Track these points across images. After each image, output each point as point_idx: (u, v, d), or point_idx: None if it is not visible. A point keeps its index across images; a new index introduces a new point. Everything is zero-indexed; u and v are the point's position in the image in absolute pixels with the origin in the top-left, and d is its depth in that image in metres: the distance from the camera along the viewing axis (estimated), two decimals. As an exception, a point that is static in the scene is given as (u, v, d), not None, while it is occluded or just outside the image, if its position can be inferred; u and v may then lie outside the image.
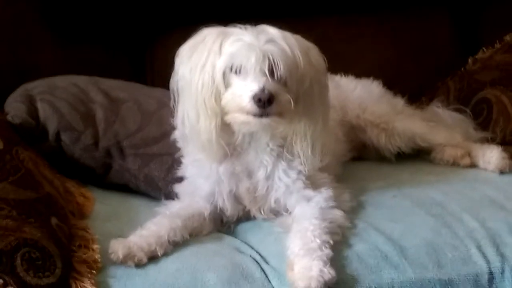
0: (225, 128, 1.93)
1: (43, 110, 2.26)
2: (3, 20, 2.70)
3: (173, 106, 1.98)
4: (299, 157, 1.99)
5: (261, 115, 1.84)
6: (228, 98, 1.88)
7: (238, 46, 1.87)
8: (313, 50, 1.98)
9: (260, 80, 1.84)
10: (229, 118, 1.90)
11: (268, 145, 2.00)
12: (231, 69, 1.88)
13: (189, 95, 1.92)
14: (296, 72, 1.89)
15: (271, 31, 1.91)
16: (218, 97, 1.89)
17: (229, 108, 1.88)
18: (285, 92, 1.87)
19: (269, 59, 1.85)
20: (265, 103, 1.82)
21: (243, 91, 1.85)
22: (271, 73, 1.86)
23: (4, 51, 2.68)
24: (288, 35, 1.92)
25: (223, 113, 1.90)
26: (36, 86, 2.35)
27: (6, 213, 1.69)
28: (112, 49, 2.88)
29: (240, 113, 1.87)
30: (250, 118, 1.86)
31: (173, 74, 1.96)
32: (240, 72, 1.87)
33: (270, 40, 1.88)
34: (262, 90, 1.83)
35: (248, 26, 1.93)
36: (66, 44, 2.80)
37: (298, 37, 1.95)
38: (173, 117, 2.02)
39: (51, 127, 2.25)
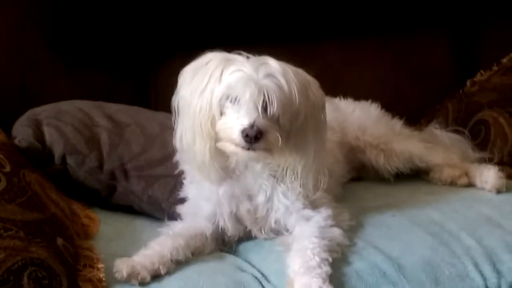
0: (219, 152, 1.96)
1: (50, 134, 2.31)
2: (10, 46, 2.75)
3: (174, 122, 2.02)
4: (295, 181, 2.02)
5: (248, 148, 1.88)
6: (220, 126, 1.91)
7: (237, 77, 1.89)
8: (313, 85, 1.99)
9: (251, 115, 1.86)
10: (220, 145, 1.93)
11: (264, 171, 2.03)
12: (227, 98, 1.91)
13: (188, 116, 1.95)
14: (290, 109, 1.91)
15: (272, 64, 1.92)
16: (213, 122, 1.92)
17: (221, 136, 1.92)
18: (274, 130, 1.89)
19: (264, 95, 1.87)
20: (252, 139, 1.85)
21: (234, 124, 1.88)
22: (265, 108, 1.88)
23: (11, 76, 2.73)
24: (289, 69, 1.93)
25: (216, 138, 1.93)
26: (43, 111, 2.39)
27: (14, 233, 1.73)
28: (116, 73, 2.92)
29: (230, 143, 1.90)
30: (239, 150, 1.89)
31: (175, 92, 2.00)
32: (235, 103, 1.90)
33: (269, 75, 1.89)
34: (251, 126, 1.85)
35: (251, 56, 1.95)
36: (71, 70, 2.85)
37: (299, 71, 1.97)
38: (174, 137, 2.05)
39: (57, 151, 2.30)
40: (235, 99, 1.89)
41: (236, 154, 1.93)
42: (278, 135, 1.89)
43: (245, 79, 1.88)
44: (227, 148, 1.92)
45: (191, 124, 1.94)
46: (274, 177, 2.04)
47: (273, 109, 1.88)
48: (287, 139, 1.93)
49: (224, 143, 1.91)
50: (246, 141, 1.86)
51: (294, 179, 2.00)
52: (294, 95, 1.90)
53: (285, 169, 2.00)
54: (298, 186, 2.02)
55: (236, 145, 1.88)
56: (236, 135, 1.87)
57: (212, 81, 1.92)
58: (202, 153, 1.94)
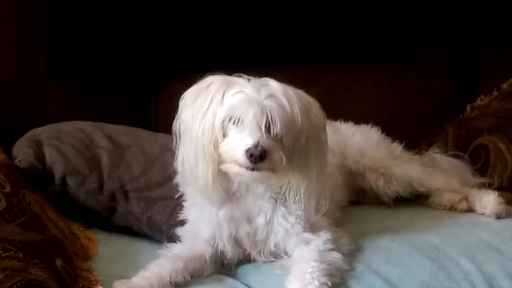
0: (222, 174, 1.96)
1: (50, 155, 2.31)
2: (10, 65, 2.76)
3: (175, 147, 2.01)
4: (296, 204, 2.02)
5: (253, 169, 1.88)
6: (224, 148, 1.92)
7: (239, 99, 1.90)
8: (314, 106, 2.00)
9: (255, 135, 1.87)
10: (224, 167, 1.93)
11: (266, 193, 2.03)
12: (230, 120, 1.91)
13: (190, 140, 1.95)
14: (292, 129, 1.92)
15: (274, 85, 1.94)
16: (216, 145, 1.92)
17: (224, 157, 1.92)
18: (278, 150, 1.90)
19: (267, 115, 1.88)
20: (256, 158, 1.86)
21: (238, 144, 1.89)
22: (268, 128, 1.89)
23: (11, 96, 2.74)
24: (290, 90, 1.94)
25: (219, 160, 1.93)
26: (43, 132, 2.40)
27: (13, 254, 1.73)
28: (117, 95, 2.93)
29: (234, 164, 1.90)
30: (243, 171, 1.89)
31: (176, 116, 2.00)
32: (238, 124, 1.91)
33: (271, 95, 1.91)
34: (256, 146, 1.86)
35: (252, 78, 1.96)
36: (71, 90, 2.86)
37: (300, 92, 1.98)
38: (175, 161, 2.05)
39: (57, 171, 2.30)
40: (238, 120, 1.90)
41: (241, 175, 1.92)
42: (282, 154, 1.89)
43: (247, 100, 1.89)
44: (231, 170, 1.92)
45: (193, 147, 1.94)
46: (275, 199, 2.04)
47: (276, 129, 1.89)
48: (290, 159, 1.93)
49: (228, 165, 1.91)
50: (250, 161, 1.86)
51: (296, 201, 2.00)
52: (297, 115, 1.91)
53: (287, 191, 2.00)
54: (299, 209, 2.02)
55: (241, 165, 1.88)
56: (241, 155, 1.87)
57: (214, 103, 1.93)
58: (205, 176, 1.94)
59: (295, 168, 1.96)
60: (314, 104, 2.01)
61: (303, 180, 1.97)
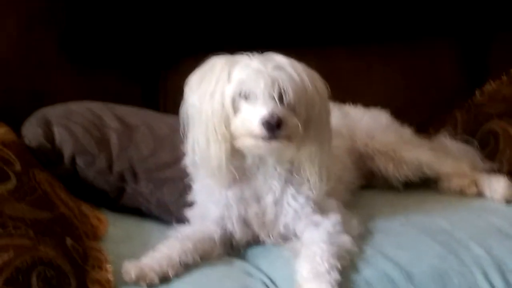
0: (235, 153, 1.96)
1: (59, 134, 2.31)
2: (20, 46, 2.75)
3: (183, 134, 2.02)
4: (307, 181, 2.02)
5: (270, 138, 1.88)
6: (237, 123, 1.92)
7: (247, 72, 1.91)
8: (316, 77, 2.02)
9: (269, 104, 1.88)
10: (238, 142, 1.93)
11: (276, 170, 2.03)
12: (240, 95, 1.92)
13: (199, 123, 1.95)
14: (304, 97, 1.93)
15: (278, 58, 1.95)
16: (227, 123, 1.92)
17: (239, 132, 1.92)
18: (293, 117, 1.91)
19: (278, 85, 1.89)
20: (273, 126, 1.86)
21: (252, 116, 1.89)
22: (280, 98, 1.90)
23: (20, 77, 2.73)
24: (295, 62, 1.96)
25: (232, 138, 1.93)
26: (53, 111, 2.40)
27: (23, 232, 1.73)
28: (126, 76, 2.92)
29: (250, 137, 1.90)
30: (260, 142, 1.89)
31: (182, 103, 2.00)
32: (249, 98, 1.91)
33: (278, 67, 1.92)
34: (271, 114, 1.86)
35: (255, 54, 1.97)
36: (81, 70, 2.84)
37: (302, 64, 1.99)
38: (183, 143, 2.05)
39: (67, 151, 2.30)
40: (249, 93, 1.90)
41: (258, 148, 1.92)
42: (298, 121, 1.90)
43: (255, 72, 1.90)
44: (247, 143, 1.91)
45: (203, 129, 1.94)
46: (285, 178, 2.03)
47: (289, 98, 1.89)
48: (304, 128, 1.93)
49: (244, 139, 1.91)
50: (268, 129, 1.86)
51: (309, 173, 1.99)
52: (307, 84, 1.93)
53: (300, 163, 2.00)
54: (309, 188, 2.02)
55: (257, 137, 1.88)
56: (256, 126, 1.87)
57: (221, 82, 1.93)
58: (218, 156, 1.93)
59: (310, 137, 1.96)
60: (317, 76, 2.02)
61: (316, 150, 1.98)
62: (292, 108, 1.92)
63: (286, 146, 1.92)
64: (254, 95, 1.90)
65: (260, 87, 1.88)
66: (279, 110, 1.87)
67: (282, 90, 1.89)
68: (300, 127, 1.91)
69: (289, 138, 1.91)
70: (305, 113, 1.94)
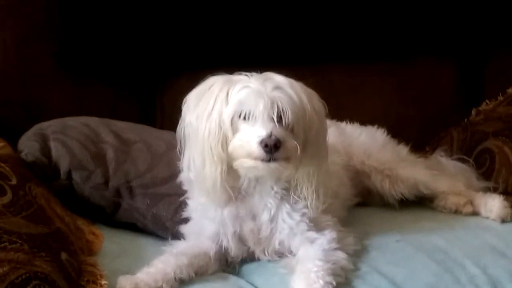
0: (231, 173, 1.96)
1: (56, 149, 2.31)
2: (16, 59, 2.76)
3: (179, 152, 2.01)
4: (303, 199, 2.02)
5: (268, 160, 1.87)
6: (235, 144, 1.91)
7: (246, 93, 1.91)
8: (314, 97, 2.02)
9: (267, 126, 1.88)
10: (236, 163, 1.93)
11: (272, 189, 2.03)
12: (239, 116, 1.91)
13: (196, 142, 1.95)
14: (303, 118, 1.93)
15: (277, 78, 1.95)
16: (224, 144, 1.92)
17: (237, 154, 1.91)
18: (291, 138, 1.90)
19: (278, 106, 1.88)
20: (272, 148, 1.86)
21: (251, 137, 1.88)
22: (279, 119, 1.89)
23: (17, 89, 2.74)
24: (294, 82, 1.96)
25: (229, 159, 1.93)
26: (49, 126, 2.39)
27: (18, 246, 1.72)
28: (122, 90, 2.93)
29: (248, 158, 1.90)
30: (258, 163, 1.89)
31: (180, 121, 2.00)
32: (248, 119, 1.91)
33: (277, 87, 1.92)
34: (269, 135, 1.86)
35: (254, 74, 1.97)
36: (77, 84, 2.85)
37: (301, 84, 1.99)
38: (180, 160, 2.05)
39: (63, 166, 2.30)
40: (248, 114, 1.90)
41: (256, 169, 1.91)
42: (296, 143, 1.90)
43: (254, 93, 1.90)
44: (245, 165, 1.91)
45: (200, 149, 1.94)
46: (280, 196, 2.03)
47: (288, 119, 1.89)
48: (302, 149, 1.93)
49: (242, 160, 1.91)
50: (266, 151, 1.86)
51: (306, 194, 1.99)
52: (306, 105, 1.93)
53: (299, 183, 2.00)
54: (305, 206, 2.02)
55: (256, 158, 1.88)
56: (255, 147, 1.87)
57: (219, 102, 1.92)
58: (213, 177, 1.93)
59: (307, 157, 1.96)
60: (314, 95, 2.02)
61: (314, 170, 1.98)
62: (290, 129, 1.92)
63: (284, 167, 1.92)
64: (253, 116, 1.90)
65: (259, 108, 1.88)
66: (278, 132, 1.87)
67: (281, 111, 1.89)
68: (298, 148, 1.90)
69: (287, 159, 1.90)
70: (303, 134, 1.94)
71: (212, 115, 1.92)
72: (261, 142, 1.86)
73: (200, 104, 1.94)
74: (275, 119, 1.89)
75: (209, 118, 1.92)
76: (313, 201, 2.01)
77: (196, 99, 1.97)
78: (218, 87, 1.94)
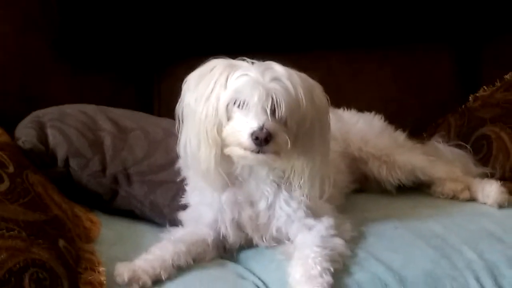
0: (225, 158, 1.96)
1: (53, 137, 2.30)
2: (13, 47, 2.75)
3: (178, 131, 2.01)
4: (299, 189, 2.02)
5: (258, 151, 1.88)
6: (228, 131, 1.91)
7: (244, 81, 1.90)
8: (317, 89, 2.00)
9: (260, 118, 1.87)
10: (228, 150, 1.93)
11: (268, 177, 2.03)
12: (234, 103, 1.91)
13: (192, 123, 1.95)
14: (297, 112, 1.92)
15: (278, 68, 1.94)
16: (220, 129, 1.92)
17: (229, 141, 1.92)
18: (283, 132, 1.90)
19: (272, 98, 1.88)
20: (262, 141, 1.86)
21: (243, 127, 1.88)
22: (273, 111, 1.89)
23: (14, 78, 2.73)
24: (294, 73, 1.94)
25: (223, 144, 1.93)
26: (47, 113, 2.39)
27: (16, 233, 1.72)
28: (120, 78, 2.92)
29: (239, 147, 1.90)
30: (248, 153, 1.89)
31: (179, 100, 2.00)
32: (243, 107, 1.90)
33: (275, 79, 1.90)
34: (261, 128, 1.86)
35: (256, 62, 1.96)
36: (75, 72, 2.85)
37: (303, 75, 1.98)
38: (177, 145, 2.05)
39: (60, 153, 2.29)
40: (243, 103, 1.89)
41: (245, 158, 1.92)
42: (287, 137, 1.89)
43: (252, 82, 1.89)
44: (236, 153, 1.92)
45: (196, 131, 1.94)
46: (277, 184, 2.04)
47: (281, 112, 1.88)
48: (295, 142, 1.93)
49: (233, 148, 1.91)
50: (256, 143, 1.86)
51: (300, 185, 2.00)
52: (301, 99, 1.91)
53: (290, 175, 2.00)
54: (302, 194, 2.02)
55: (245, 148, 1.88)
56: (246, 139, 1.87)
57: (218, 87, 1.92)
58: (208, 160, 1.93)
59: (299, 151, 1.95)
60: (317, 88, 2.01)
61: (307, 163, 1.97)
62: (283, 122, 1.91)
63: (273, 159, 1.92)
64: (248, 106, 1.89)
65: (254, 99, 1.87)
66: (270, 124, 1.87)
67: (276, 104, 1.88)
68: (289, 143, 1.90)
69: (277, 152, 1.90)
70: (297, 128, 1.94)
71: (210, 98, 1.92)
72: (252, 134, 1.86)
73: (199, 86, 1.94)
74: (269, 111, 1.88)
75: (207, 101, 1.92)
76: (308, 191, 2.00)
77: (196, 80, 1.96)
78: (219, 71, 1.94)
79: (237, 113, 1.91)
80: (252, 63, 1.96)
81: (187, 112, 1.97)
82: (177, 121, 2.01)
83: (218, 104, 1.91)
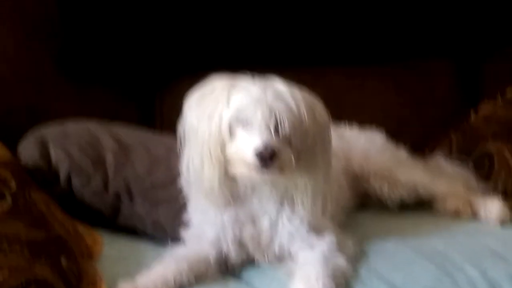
0: (229, 177, 1.95)
1: (55, 154, 2.31)
2: (16, 63, 2.76)
3: (179, 150, 2.01)
4: (301, 206, 2.02)
5: (262, 169, 1.87)
6: (232, 150, 1.91)
7: (246, 100, 1.90)
8: (318, 106, 2.01)
9: (264, 136, 1.87)
10: (232, 169, 1.93)
11: (271, 194, 2.03)
12: (237, 121, 1.91)
13: (195, 143, 1.95)
14: (300, 129, 1.92)
15: (279, 86, 1.94)
16: (223, 147, 1.92)
17: (233, 159, 1.91)
18: (287, 149, 1.90)
19: (275, 116, 1.88)
20: (267, 160, 1.86)
21: (247, 146, 1.88)
22: (276, 129, 1.89)
23: (17, 94, 2.74)
24: (296, 91, 1.95)
25: (226, 163, 1.93)
26: (49, 131, 2.40)
27: (18, 251, 1.73)
28: (122, 94, 2.93)
29: (243, 165, 1.90)
30: (252, 171, 1.89)
31: (181, 120, 2.00)
32: (246, 125, 1.90)
33: (278, 96, 1.91)
34: (265, 146, 1.86)
35: (257, 78, 1.96)
36: (77, 88, 2.85)
37: (304, 92, 1.98)
38: (180, 163, 2.05)
39: (63, 171, 2.30)
40: (246, 121, 1.90)
41: (250, 177, 1.92)
42: (291, 154, 1.89)
43: (254, 101, 1.89)
44: (240, 171, 1.91)
45: (199, 150, 1.93)
46: (280, 202, 2.04)
47: (284, 129, 1.89)
48: (298, 159, 1.93)
49: (237, 166, 1.91)
50: (260, 161, 1.86)
51: (303, 202, 2.00)
52: (304, 116, 1.92)
53: (293, 192, 2.00)
54: (304, 211, 2.02)
55: (250, 167, 1.88)
56: (250, 157, 1.87)
57: (220, 105, 1.92)
58: (211, 179, 1.93)
59: (302, 168, 1.96)
60: (318, 105, 2.01)
61: (309, 180, 1.98)
62: (287, 140, 1.91)
63: (277, 177, 1.92)
64: (251, 124, 1.89)
65: (257, 117, 1.87)
66: (274, 142, 1.87)
67: (279, 122, 1.88)
68: (293, 160, 1.90)
69: (281, 169, 1.90)
70: (300, 145, 1.94)
71: (212, 117, 1.92)
72: (256, 152, 1.86)
73: (201, 105, 1.94)
74: (272, 129, 1.88)
75: (210, 120, 1.92)
76: (310, 208, 2.01)
77: (198, 99, 1.96)
78: (220, 89, 1.94)
79: (240, 132, 1.91)
80: (254, 80, 1.96)
81: (189, 131, 1.97)
82: (178, 140, 2.00)
83: (221, 123, 1.91)
